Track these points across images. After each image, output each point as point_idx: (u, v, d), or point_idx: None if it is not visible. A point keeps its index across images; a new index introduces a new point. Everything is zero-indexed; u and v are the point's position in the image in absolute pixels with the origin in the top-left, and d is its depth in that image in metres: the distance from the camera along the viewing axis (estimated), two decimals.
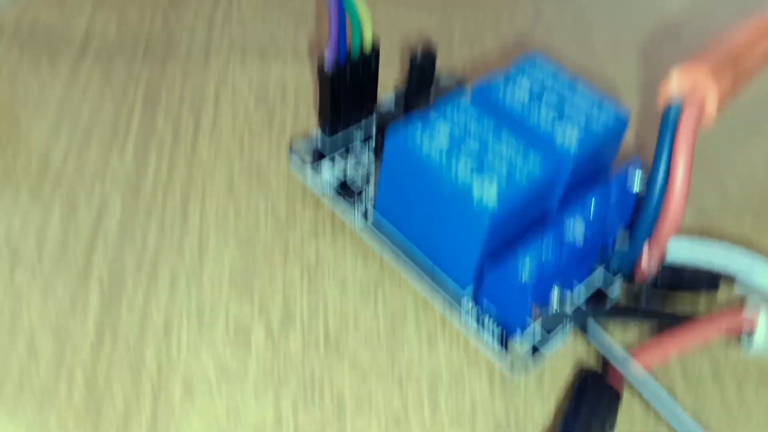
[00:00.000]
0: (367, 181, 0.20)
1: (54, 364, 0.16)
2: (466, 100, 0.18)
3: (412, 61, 0.20)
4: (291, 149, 0.20)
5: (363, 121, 0.21)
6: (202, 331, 0.17)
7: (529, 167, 0.16)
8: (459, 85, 0.22)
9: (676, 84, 0.15)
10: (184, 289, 0.18)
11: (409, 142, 0.16)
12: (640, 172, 0.18)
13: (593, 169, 0.19)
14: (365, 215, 0.19)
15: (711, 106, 0.15)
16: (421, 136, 0.17)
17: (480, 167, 0.16)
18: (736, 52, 0.16)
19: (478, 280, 0.17)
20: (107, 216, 0.19)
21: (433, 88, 0.21)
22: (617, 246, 0.18)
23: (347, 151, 0.20)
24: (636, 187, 0.18)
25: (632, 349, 0.16)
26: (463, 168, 0.16)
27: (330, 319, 0.18)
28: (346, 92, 0.19)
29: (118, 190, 0.20)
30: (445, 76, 0.22)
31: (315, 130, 0.21)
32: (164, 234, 0.19)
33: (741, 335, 0.18)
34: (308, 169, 0.20)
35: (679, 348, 0.17)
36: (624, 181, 0.18)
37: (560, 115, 0.18)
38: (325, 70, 0.18)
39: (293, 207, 0.20)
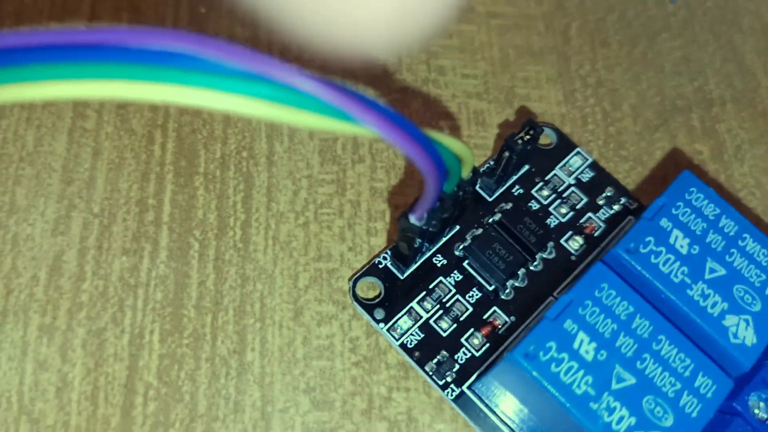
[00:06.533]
0: (460, 335, 0.15)
1: None
2: (608, 286, 0.13)
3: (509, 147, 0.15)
4: (353, 294, 0.15)
5: (443, 242, 0.16)
6: None
7: (702, 398, 0.12)
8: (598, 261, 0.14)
9: None
10: None
11: (544, 374, 0.12)
12: None
13: None
14: (458, 384, 0.15)
15: None
16: (556, 364, 0.12)
17: (638, 413, 0.12)
18: None
19: None
20: (144, 359, 0.15)
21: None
22: None
23: (428, 292, 0.15)
24: None
25: None
26: (615, 416, 0.12)
27: None
28: (431, 232, 0.14)
29: (155, 317, 0.15)
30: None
31: (385, 257, 0.16)
32: (218, 385, 0.15)
33: None
34: (381, 327, 0.15)
35: None
36: None
37: (729, 294, 0.13)
38: (412, 221, 0.13)
39: (376, 339, 0.16)
